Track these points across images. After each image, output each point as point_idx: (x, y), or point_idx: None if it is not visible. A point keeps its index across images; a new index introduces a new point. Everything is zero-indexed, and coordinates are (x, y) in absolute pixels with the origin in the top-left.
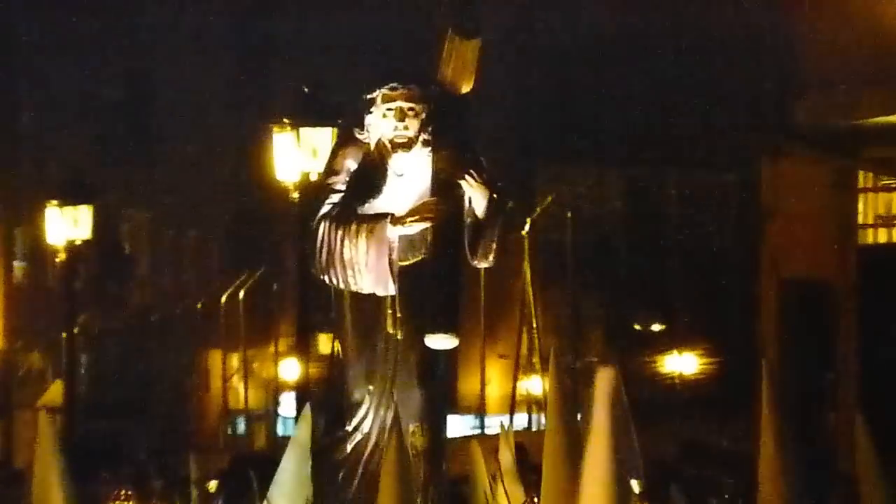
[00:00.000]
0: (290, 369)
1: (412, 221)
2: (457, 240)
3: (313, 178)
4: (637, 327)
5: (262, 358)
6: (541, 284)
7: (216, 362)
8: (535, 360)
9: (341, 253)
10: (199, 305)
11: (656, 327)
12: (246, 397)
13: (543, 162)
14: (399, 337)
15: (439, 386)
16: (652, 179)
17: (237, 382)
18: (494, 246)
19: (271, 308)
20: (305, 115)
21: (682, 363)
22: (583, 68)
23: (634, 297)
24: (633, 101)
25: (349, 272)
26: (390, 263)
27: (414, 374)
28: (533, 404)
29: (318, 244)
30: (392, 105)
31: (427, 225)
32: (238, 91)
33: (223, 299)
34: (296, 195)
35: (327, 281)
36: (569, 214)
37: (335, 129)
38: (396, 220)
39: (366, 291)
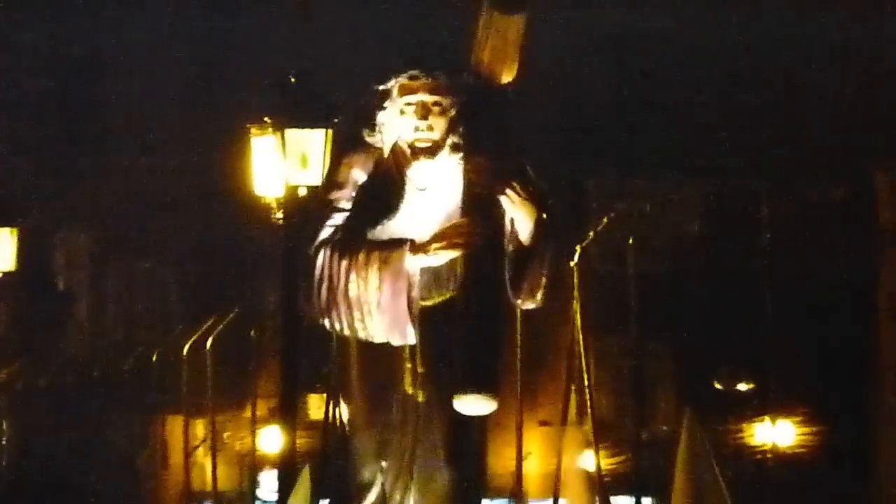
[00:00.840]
0: (272, 440)
1: (438, 249)
2: (495, 273)
3: (302, 192)
4: (718, 387)
5: (235, 425)
6: (594, 330)
7: (176, 430)
8: (587, 427)
9: (346, 289)
10: (153, 357)
11: (743, 387)
12: (214, 476)
13: (598, 173)
14: (420, 399)
15: (471, 464)
16: (737, 196)
17: (203, 457)
18: (544, 281)
19: (247, 361)
20: (292, 114)
21: (776, 433)
22: (652, 58)
23: (714, 347)
24: (714, 99)
25: (356, 314)
26: (409, 303)
27: (439, 447)
28: (584, 486)
29: (317, 278)
30: (412, 99)
31: (457, 254)
32: (207, 83)
33: (185, 349)
34: (279, 215)
35: (328, 326)
36: (630, 241)
37: (329, 131)
38: (418, 248)
39: (378, 340)
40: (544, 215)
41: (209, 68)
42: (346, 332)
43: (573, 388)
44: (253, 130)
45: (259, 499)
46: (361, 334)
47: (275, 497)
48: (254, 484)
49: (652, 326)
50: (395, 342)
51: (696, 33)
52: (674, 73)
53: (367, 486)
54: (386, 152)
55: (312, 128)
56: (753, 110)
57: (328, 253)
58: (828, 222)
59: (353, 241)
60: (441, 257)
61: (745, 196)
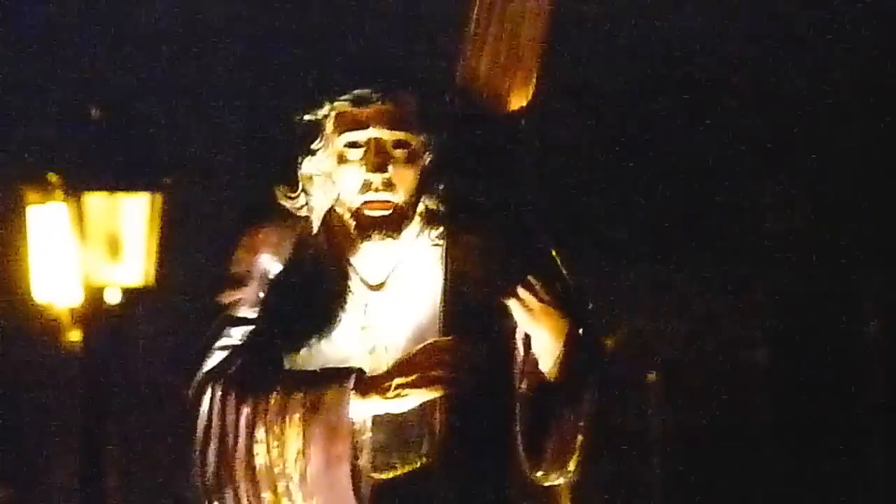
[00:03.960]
0: None
1: (402, 388)
2: (496, 429)
3: (112, 297)
4: None
5: None
6: None
7: None
8: None
9: (249, 456)
10: None
11: None
12: None
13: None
14: None
15: None
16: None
17: None
18: (581, 441)
19: None
20: (97, 167)
21: None
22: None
23: None
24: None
25: (266, 496)
26: (354, 479)
27: None
28: None
29: (200, 436)
30: (359, 136)
31: (433, 396)
32: None
33: None
34: (75, 336)
35: None
36: (657, 359)
37: (159, 196)
38: (369, 386)
39: None
40: (581, 331)
41: None
42: None
43: None
44: (29, 196)
45: None
46: None
47: None
48: None
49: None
50: None
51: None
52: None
53: None
54: (316, 226)
55: (129, 190)
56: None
57: (219, 393)
58: None
59: (260, 374)
60: (407, 401)
61: (837, 280)
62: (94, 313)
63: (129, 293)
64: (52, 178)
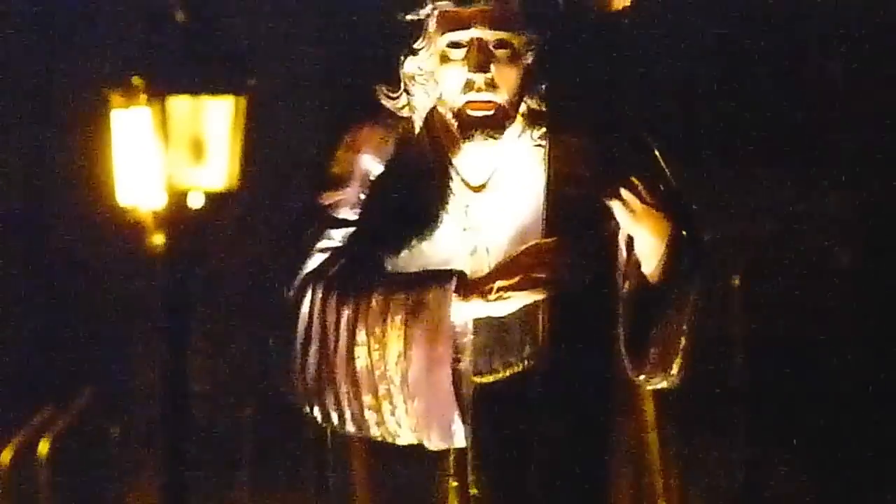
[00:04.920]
0: None
1: (504, 289)
2: (600, 331)
3: (195, 201)
4: None
5: None
6: None
7: None
8: None
9: (350, 358)
10: None
11: None
12: None
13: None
14: None
15: None
16: None
17: None
18: (684, 343)
19: (107, 475)
20: (178, 71)
21: None
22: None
23: None
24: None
25: (367, 399)
26: (455, 381)
27: None
28: None
29: (301, 337)
30: (462, 36)
31: (536, 298)
32: (40, 24)
33: (8, 457)
34: (159, 240)
35: (318, 416)
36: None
37: (243, 99)
38: (470, 288)
39: (403, 441)
40: (684, 232)
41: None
42: (350, 427)
43: None
44: (113, 98)
45: None
46: (375, 432)
47: None
48: None
49: None
50: (433, 445)
51: None
52: None
53: None
54: (417, 126)
55: (214, 94)
56: None
57: (320, 295)
58: None
59: (361, 276)
60: (509, 304)
61: None
62: (176, 217)
63: (212, 197)
64: (136, 81)
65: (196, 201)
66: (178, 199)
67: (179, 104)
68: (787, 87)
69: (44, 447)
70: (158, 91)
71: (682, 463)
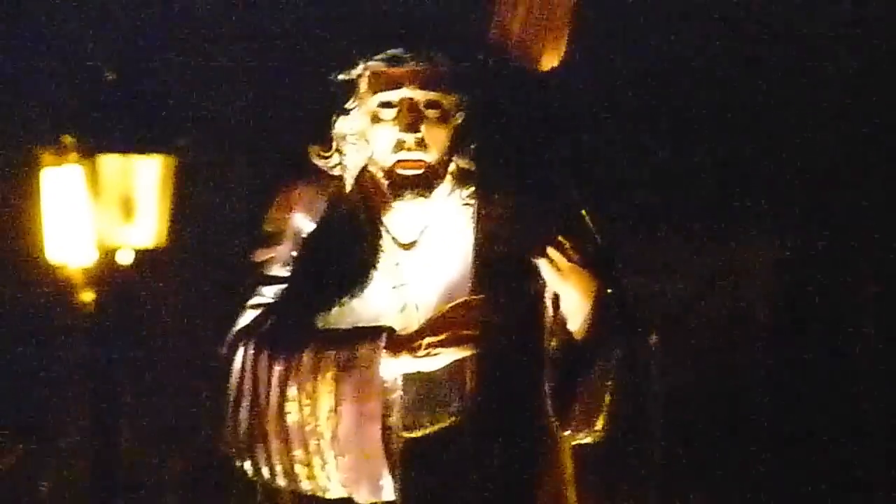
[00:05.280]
0: None
1: (433, 346)
2: (527, 387)
3: (124, 258)
4: None
5: None
6: None
7: None
8: None
9: (281, 413)
10: None
11: None
12: None
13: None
14: None
15: None
16: None
17: None
18: (609, 400)
19: None
20: (109, 130)
21: None
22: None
23: None
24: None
25: (298, 454)
26: (385, 437)
27: None
28: None
29: (233, 394)
30: (393, 96)
31: (464, 354)
32: None
33: None
34: (88, 296)
35: (249, 471)
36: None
37: (173, 159)
38: (400, 344)
39: (332, 495)
40: (609, 290)
41: None
42: (280, 481)
43: None
44: (44, 157)
45: None
46: (306, 486)
47: None
48: None
49: None
50: (362, 500)
51: None
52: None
53: None
54: (349, 185)
55: (144, 152)
56: None
57: (252, 351)
58: None
59: (293, 333)
60: (438, 360)
61: None
62: (106, 274)
63: (141, 255)
64: (67, 140)
65: (126, 258)
66: (108, 256)
67: (110, 162)
68: (709, 142)
69: None
70: (89, 149)
71: None
